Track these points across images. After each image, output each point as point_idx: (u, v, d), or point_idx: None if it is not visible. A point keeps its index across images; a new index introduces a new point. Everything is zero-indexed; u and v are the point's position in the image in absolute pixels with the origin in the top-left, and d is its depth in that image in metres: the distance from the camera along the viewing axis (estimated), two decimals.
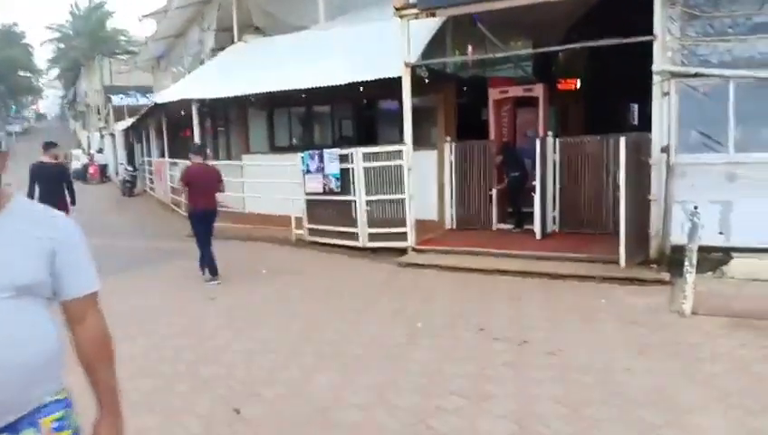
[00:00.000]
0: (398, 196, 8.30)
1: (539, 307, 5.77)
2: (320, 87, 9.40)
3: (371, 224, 8.54)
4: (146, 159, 22.17)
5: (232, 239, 10.48)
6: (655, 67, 6.50)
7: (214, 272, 7.41)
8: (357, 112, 11.59)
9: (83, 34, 51.72)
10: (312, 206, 9.39)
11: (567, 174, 8.67)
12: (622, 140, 6.64)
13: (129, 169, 22.99)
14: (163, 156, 18.31)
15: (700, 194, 6.18)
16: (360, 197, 8.54)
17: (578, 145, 8.74)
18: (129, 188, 21.94)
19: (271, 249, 9.58)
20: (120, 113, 30.36)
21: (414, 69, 8.24)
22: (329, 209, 9.11)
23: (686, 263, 5.30)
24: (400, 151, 8.23)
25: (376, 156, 8.43)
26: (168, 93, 11.22)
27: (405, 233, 8.25)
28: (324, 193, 9.06)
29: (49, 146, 8.60)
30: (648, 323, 5.13)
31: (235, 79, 10.71)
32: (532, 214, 8.45)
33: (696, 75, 6.39)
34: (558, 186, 8.70)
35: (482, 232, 9.18)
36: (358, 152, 8.49)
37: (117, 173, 28.02)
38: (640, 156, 6.79)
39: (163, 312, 6.35)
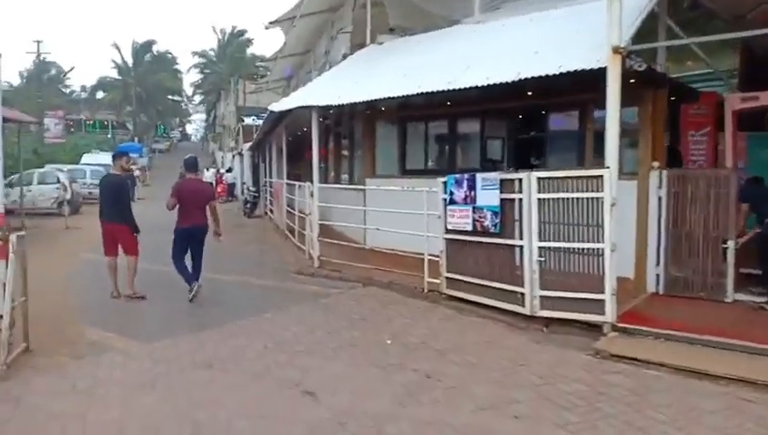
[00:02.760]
0: (590, 244, 5.57)
1: None
2: (468, 92, 7.02)
3: (545, 283, 5.86)
4: (267, 179, 21.20)
5: (349, 281, 8.30)
6: None
7: (194, 278, 7.27)
8: (511, 130, 9.03)
9: (225, 60, 54.45)
10: (455, 248, 6.93)
11: None
12: None
13: (252, 189, 22.21)
14: (284, 177, 17.04)
15: None
16: (529, 241, 5.92)
17: None
18: (249, 209, 21.05)
19: (396, 302, 7.21)
20: (249, 134, 30.44)
21: (624, 60, 5.55)
22: (479, 255, 6.59)
23: None
24: (598, 178, 5.52)
25: (559, 183, 5.77)
26: (287, 101, 9.50)
27: (599, 301, 5.48)
28: (474, 232, 6.56)
29: (118, 156, 7.80)
30: None
31: (364, 85, 8.67)
32: None
33: None
34: None
35: (709, 304, 6.15)
36: (531, 177, 5.89)
37: (242, 193, 27.76)
38: None
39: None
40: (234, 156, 35.56)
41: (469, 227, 6.61)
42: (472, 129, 9.01)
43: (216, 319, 6.50)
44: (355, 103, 8.97)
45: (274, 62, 20.67)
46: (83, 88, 66.34)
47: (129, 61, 60.27)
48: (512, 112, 8.61)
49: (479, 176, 6.50)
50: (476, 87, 6.89)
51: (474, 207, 6.54)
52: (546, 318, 5.91)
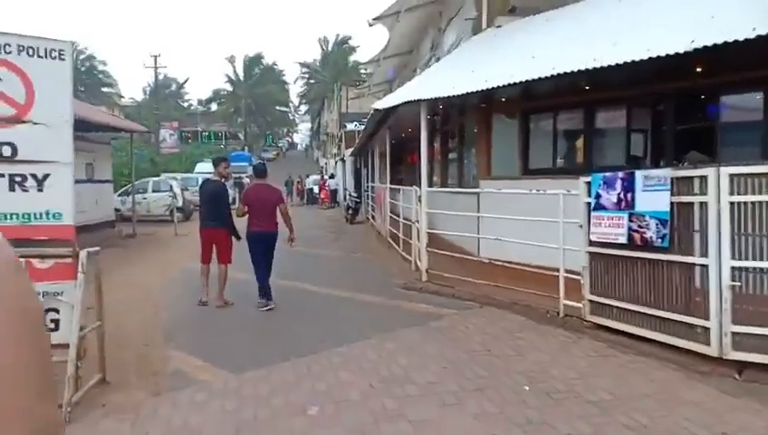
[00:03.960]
0: None
1: None
2: (611, 75, 5.64)
3: (739, 315, 4.34)
4: (369, 184, 20.56)
5: (463, 300, 7.14)
6: None
7: (268, 296, 7.09)
8: (666, 120, 7.40)
9: (328, 68, 55.36)
10: (603, 264, 5.54)
11: None
12: None
13: (354, 195, 21.69)
14: (386, 182, 16.20)
15: None
16: (717, 259, 4.42)
17: None
18: (351, 215, 20.52)
19: (525, 329, 5.92)
20: (351, 140, 30.23)
21: None
22: (638, 275, 5.16)
23: None
24: None
25: (763, 182, 4.24)
26: (392, 97, 8.54)
27: None
28: (631, 246, 5.15)
29: (217, 162, 7.54)
30: None
31: (481, 73, 7.47)
32: None
33: None
34: None
35: None
36: (721, 173, 4.40)
37: (344, 198, 27.49)
38: None
39: None
40: (336, 162, 35.66)
41: (623, 239, 5.20)
42: (613, 120, 7.47)
43: (315, 342, 5.61)
44: (468, 96, 7.81)
45: (377, 64, 19.97)
46: (200, 102, 70.67)
47: (241, 74, 63.25)
48: (668, 97, 6.99)
49: (639, 174, 5.08)
50: (626, 66, 5.48)
51: (631, 214, 5.13)
52: (740, 362, 4.38)
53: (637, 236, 5.08)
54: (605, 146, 7.62)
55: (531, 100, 8.10)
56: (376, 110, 9.11)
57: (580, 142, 7.76)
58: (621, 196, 5.23)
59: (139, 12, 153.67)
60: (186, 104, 73.13)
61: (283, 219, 7.26)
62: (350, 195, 22.11)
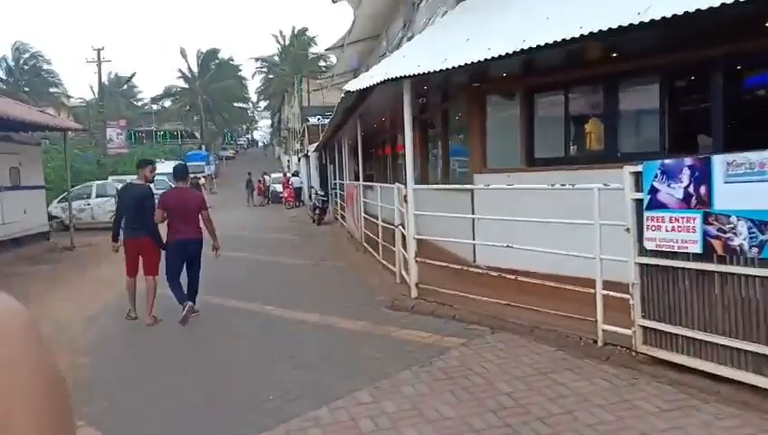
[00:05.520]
0: None
1: None
2: (634, 38, 4.32)
3: None
4: (337, 181, 19.02)
5: (469, 323, 5.74)
6: None
7: (182, 299, 6.47)
8: (699, 96, 6.14)
9: (287, 61, 53.40)
10: (662, 280, 4.20)
11: None
12: None
13: (320, 193, 20.05)
14: (357, 178, 14.73)
15: None
16: None
17: None
18: (318, 215, 18.94)
19: (559, 366, 4.54)
20: (315, 135, 28.56)
21: None
22: (719, 296, 3.83)
23: None
24: None
25: None
26: (367, 77, 7.06)
27: None
28: (708, 256, 3.82)
29: (142, 164, 7.07)
30: None
31: (477, 43, 6.06)
32: None
33: None
34: None
35: None
36: None
37: (309, 197, 25.82)
38: None
39: None
40: (299, 159, 33.91)
41: (697, 248, 3.88)
42: (644, 96, 6.15)
43: (282, 400, 4.13)
44: (454, 74, 6.43)
45: (341, 51, 18.45)
46: (153, 99, 67.45)
47: (195, 69, 60.46)
48: (716, 63, 5.65)
49: (719, 159, 3.75)
50: (663, 21, 4.14)
51: (707, 214, 3.80)
52: None
53: (717, 243, 3.76)
54: (633, 129, 6.29)
55: (536, 75, 6.73)
56: (347, 93, 7.59)
57: (598, 125, 6.43)
58: (691, 190, 3.89)
59: (87, 8, 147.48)
60: (139, 103, 69.80)
61: (206, 226, 6.85)
62: (316, 193, 20.47)
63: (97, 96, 41.26)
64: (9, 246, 12.31)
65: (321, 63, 52.04)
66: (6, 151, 12.48)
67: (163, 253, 6.70)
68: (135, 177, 7.32)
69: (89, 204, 18.54)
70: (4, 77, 51.09)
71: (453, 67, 5.52)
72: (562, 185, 5.23)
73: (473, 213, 7.24)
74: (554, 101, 6.83)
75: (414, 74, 5.93)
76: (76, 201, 18.18)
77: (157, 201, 6.67)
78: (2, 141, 12.32)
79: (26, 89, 50.45)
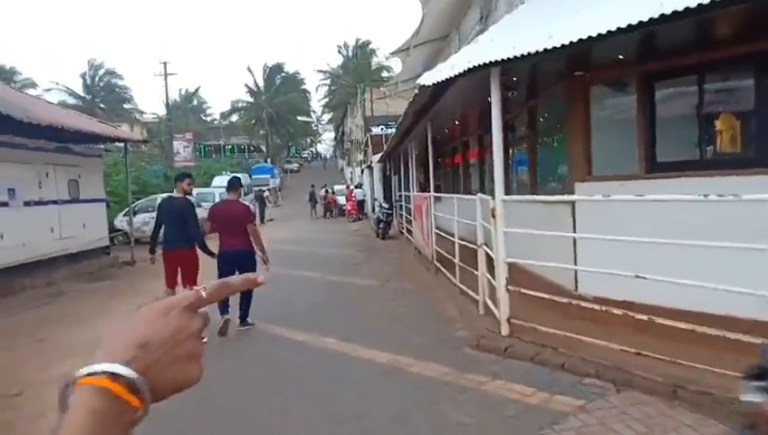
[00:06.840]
0: None
1: None
2: None
3: None
4: (402, 193, 17.93)
5: (585, 376, 4.42)
6: None
7: (222, 311, 6.33)
8: None
9: (350, 72, 53.23)
10: None
11: None
12: None
13: (385, 205, 18.99)
14: (423, 190, 13.57)
15: None
16: None
17: None
18: (382, 229, 17.90)
19: None
20: (378, 146, 27.67)
21: None
22: None
23: None
24: None
25: None
26: (444, 67, 5.88)
27: None
28: None
29: (180, 177, 6.99)
30: None
31: (585, 18, 4.80)
32: None
33: None
34: None
35: None
36: None
37: (373, 210, 24.89)
38: None
39: None
40: (363, 170, 33.15)
41: None
42: None
43: None
44: (548, 60, 5.17)
45: (406, 54, 17.42)
46: (222, 114, 69.17)
47: (261, 84, 61.47)
48: None
49: None
50: None
51: None
52: None
53: None
54: None
55: (657, 58, 5.34)
56: (422, 87, 6.45)
57: (745, 120, 4.96)
58: None
59: (156, 28, 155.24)
60: (208, 118, 71.81)
61: (253, 239, 6.72)
62: (380, 206, 19.44)
63: (165, 109, 42.26)
64: (67, 262, 11.93)
65: (384, 74, 51.47)
66: (65, 163, 12.17)
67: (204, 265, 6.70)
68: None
69: (153, 217, 18.37)
70: (82, 94, 53.54)
71: (564, 45, 4.26)
72: (720, 196, 3.84)
73: (573, 230, 5.91)
74: (683, 92, 5.40)
75: (509, 58, 4.70)
76: (141, 214, 18.03)
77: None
78: (60, 153, 12.01)
79: (102, 105, 52.80)
